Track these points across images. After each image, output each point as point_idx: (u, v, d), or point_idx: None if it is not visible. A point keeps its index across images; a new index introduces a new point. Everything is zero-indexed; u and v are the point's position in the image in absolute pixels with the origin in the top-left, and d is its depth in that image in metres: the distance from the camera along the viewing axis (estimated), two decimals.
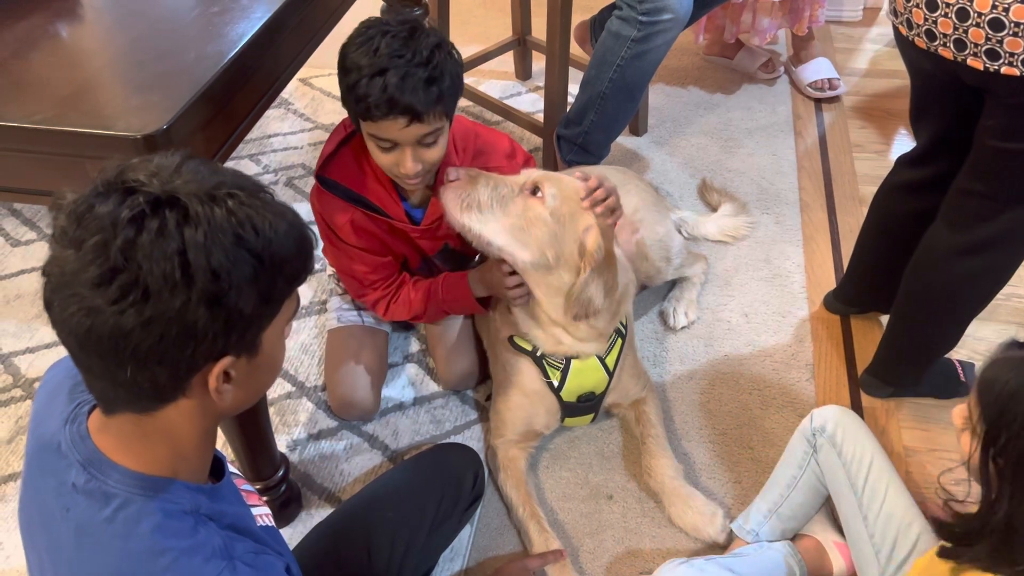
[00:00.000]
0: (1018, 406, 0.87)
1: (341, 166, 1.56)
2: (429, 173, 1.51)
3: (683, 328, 1.93)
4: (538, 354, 1.58)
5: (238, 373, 0.81)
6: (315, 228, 1.67)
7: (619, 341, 1.60)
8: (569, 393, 1.60)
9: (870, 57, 2.90)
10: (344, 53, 1.40)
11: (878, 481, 1.30)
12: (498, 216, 1.43)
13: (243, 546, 0.84)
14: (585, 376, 1.58)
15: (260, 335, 0.82)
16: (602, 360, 1.58)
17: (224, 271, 0.73)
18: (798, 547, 1.43)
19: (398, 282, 1.69)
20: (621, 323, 1.60)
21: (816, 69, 2.67)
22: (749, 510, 1.47)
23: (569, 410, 1.63)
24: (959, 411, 0.99)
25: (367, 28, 1.39)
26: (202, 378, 0.79)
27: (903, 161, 1.69)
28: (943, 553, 0.98)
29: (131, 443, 0.82)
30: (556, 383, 1.58)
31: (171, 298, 0.72)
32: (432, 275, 1.71)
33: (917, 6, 1.31)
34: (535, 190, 1.43)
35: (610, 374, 1.60)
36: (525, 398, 1.62)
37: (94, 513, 0.81)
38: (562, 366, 1.57)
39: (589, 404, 1.63)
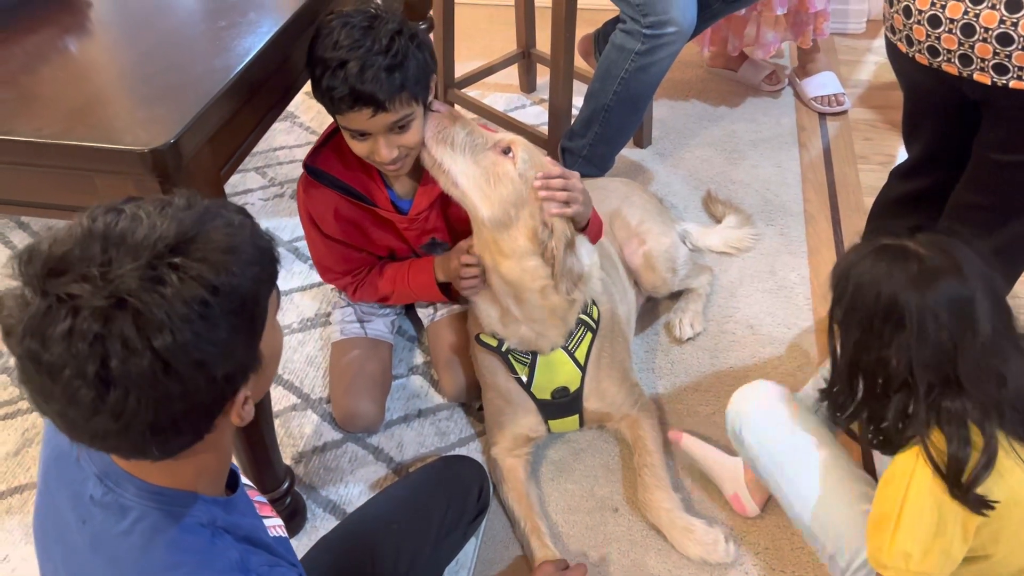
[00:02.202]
0: (848, 277, 1.11)
1: (329, 156, 1.58)
2: (409, 157, 1.51)
3: (688, 339, 1.93)
4: (503, 348, 1.58)
5: (251, 388, 0.82)
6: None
7: (588, 335, 1.59)
8: (540, 389, 1.59)
9: (874, 69, 2.90)
10: (309, 49, 1.41)
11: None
12: (468, 161, 1.44)
13: (258, 558, 0.85)
14: (554, 370, 1.58)
15: (258, 352, 0.82)
16: (571, 354, 1.58)
17: (200, 347, 0.72)
18: None
19: (367, 268, 1.73)
20: (591, 317, 1.59)
21: (821, 84, 2.67)
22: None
23: (546, 409, 1.62)
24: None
25: (329, 21, 1.40)
26: (223, 415, 0.80)
27: (897, 173, 1.68)
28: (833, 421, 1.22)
29: (150, 468, 0.83)
30: (524, 379, 1.58)
31: (166, 391, 0.71)
32: None
33: (918, 23, 1.31)
34: (507, 150, 1.44)
35: (581, 368, 1.60)
36: (501, 398, 1.62)
37: (110, 526, 0.81)
38: (528, 361, 1.57)
39: (565, 401, 1.62)
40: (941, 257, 1.05)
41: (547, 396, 1.61)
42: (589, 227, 1.56)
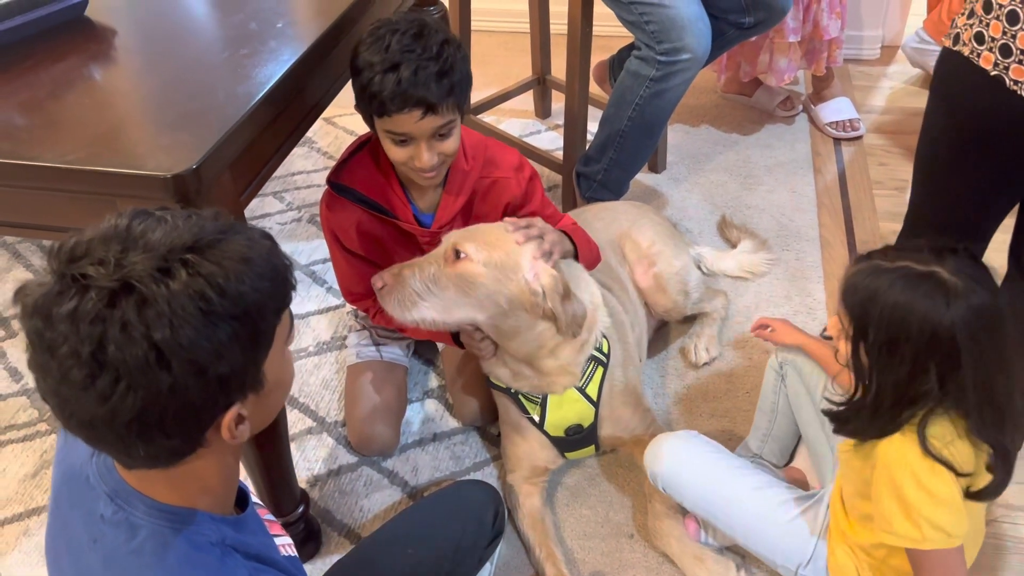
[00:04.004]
0: (876, 306, 1.09)
1: (353, 171, 1.60)
2: (444, 165, 1.53)
3: (704, 364, 1.92)
4: (512, 390, 1.58)
5: (249, 409, 0.82)
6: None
7: (599, 370, 1.58)
8: (553, 427, 1.59)
9: (888, 94, 2.91)
10: (355, 55, 1.42)
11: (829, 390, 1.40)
12: (438, 296, 1.44)
13: None
14: (566, 408, 1.57)
15: (260, 371, 0.82)
16: (583, 391, 1.57)
17: (197, 344, 0.73)
18: (785, 476, 1.59)
19: None
20: (602, 351, 1.59)
21: (836, 109, 2.68)
22: (747, 440, 1.66)
23: (561, 444, 1.62)
24: (832, 324, 1.20)
25: (377, 28, 1.42)
26: (215, 429, 0.80)
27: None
28: (836, 430, 1.22)
29: (156, 483, 0.83)
30: (536, 418, 1.58)
31: (156, 382, 0.72)
32: None
33: None
34: (457, 254, 1.44)
35: (594, 404, 1.59)
36: (517, 434, 1.62)
37: (121, 544, 0.82)
38: (539, 400, 1.57)
39: (579, 438, 1.61)
40: (972, 283, 1.06)
41: (560, 433, 1.60)
42: (579, 258, 1.58)
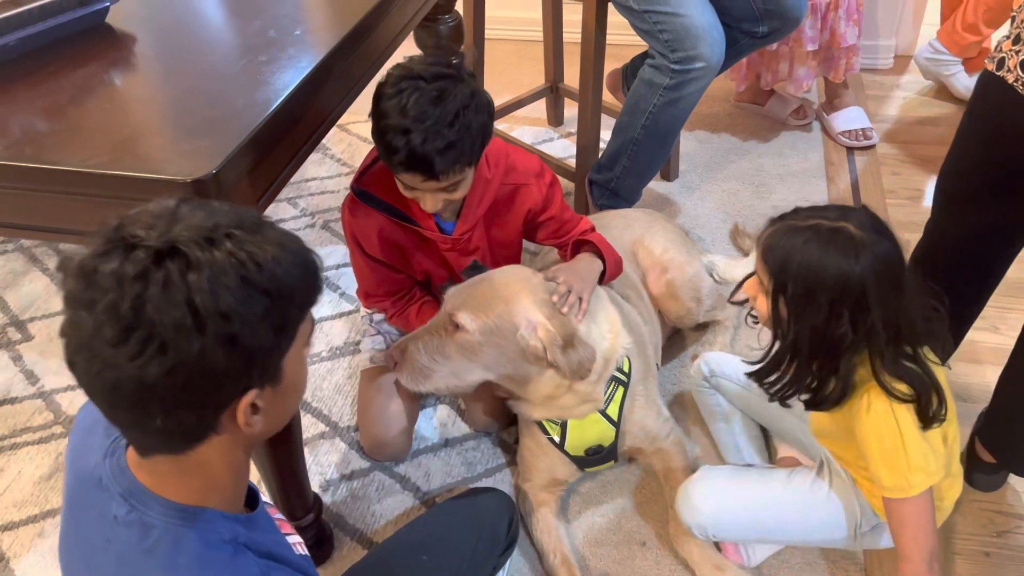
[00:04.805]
0: (793, 261, 1.18)
1: (376, 178, 1.60)
2: (451, 207, 1.55)
3: None
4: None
5: (265, 403, 0.82)
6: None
7: (620, 390, 1.59)
8: (574, 448, 1.59)
9: (900, 104, 2.90)
10: (378, 94, 1.42)
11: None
12: (445, 365, 1.50)
13: (280, 573, 0.86)
14: (586, 430, 1.58)
15: (281, 363, 0.83)
16: (603, 412, 1.58)
17: (234, 312, 0.74)
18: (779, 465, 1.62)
19: (406, 298, 1.75)
20: (623, 371, 1.59)
21: (849, 118, 2.68)
22: (727, 460, 1.69)
23: (580, 462, 1.62)
24: (750, 284, 1.29)
25: (402, 78, 1.40)
26: (231, 414, 0.80)
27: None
28: (771, 396, 1.30)
29: (168, 478, 0.84)
30: (557, 439, 1.59)
31: (188, 345, 0.73)
32: None
33: None
34: (456, 325, 1.47)
35: (615, 424, 1.59)
36: (538, 448, 1.63)
37: (135, 544, 0.83)
38: (560, 422, 1.58)
39: (599, 456, 1.62)
40: (875, 235, 1.17)
41: (580, 453, 1.61)
42: (606, 274, 1.61)
